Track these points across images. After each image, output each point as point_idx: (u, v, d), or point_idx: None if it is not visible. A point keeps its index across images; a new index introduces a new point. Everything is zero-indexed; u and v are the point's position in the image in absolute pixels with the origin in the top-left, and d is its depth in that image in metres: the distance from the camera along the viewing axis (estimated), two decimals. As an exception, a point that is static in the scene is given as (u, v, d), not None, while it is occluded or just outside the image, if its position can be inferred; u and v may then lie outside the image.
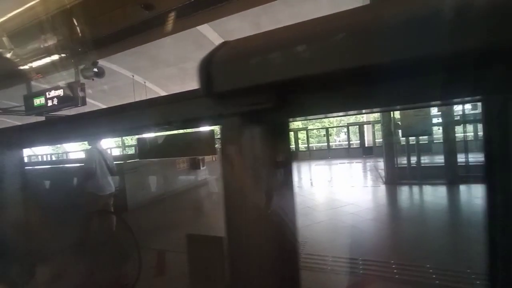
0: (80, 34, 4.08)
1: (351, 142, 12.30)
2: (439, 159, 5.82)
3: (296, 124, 25.82)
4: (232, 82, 0.42)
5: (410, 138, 5.95)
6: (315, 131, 17.37)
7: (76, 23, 4.04)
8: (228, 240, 0.48)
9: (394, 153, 6.18)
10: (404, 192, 5.50)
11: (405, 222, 3.98)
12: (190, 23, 7.35)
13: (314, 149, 13.08)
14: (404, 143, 6.22)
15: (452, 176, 5.43)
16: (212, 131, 0.63)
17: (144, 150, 0.73)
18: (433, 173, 5.76)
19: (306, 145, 12.37)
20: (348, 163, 10.17)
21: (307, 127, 12.52)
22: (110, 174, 3.50)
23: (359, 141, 12.01)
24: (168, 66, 13.10)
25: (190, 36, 10.21)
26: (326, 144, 12.11)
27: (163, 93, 15.43)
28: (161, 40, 8.30)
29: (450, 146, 5.60)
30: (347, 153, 11.97)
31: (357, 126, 11.94)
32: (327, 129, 12.35)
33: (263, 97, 0.41)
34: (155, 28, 6.40)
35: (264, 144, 0.45)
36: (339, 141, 20.24)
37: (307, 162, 11.44)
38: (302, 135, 12.89)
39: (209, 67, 0.42)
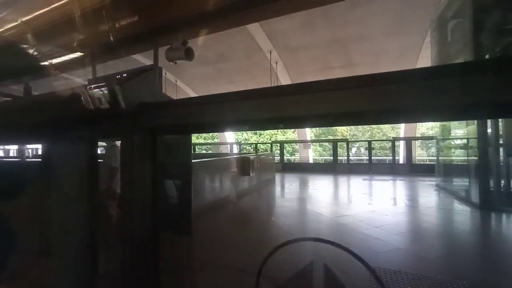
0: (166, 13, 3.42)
1: (380, 158, 11.40)
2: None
3: (335, 135, 24.96)
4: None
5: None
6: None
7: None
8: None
9: (489, 173, 5.32)
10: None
11: None
12: (239, 21, 6.73)
13: (351, 162, 12.22)
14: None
15: None
16: None
17: None
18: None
19: (346, 158, 11.52)
20: (398, 180, 9.26)
21: (348, 139, 11.68)
22: None
23: (405, 157, 11.12)
24: (203, 65, 12.46)
25: (234, 34, 9.61)
26: (367, 157, 11.27)
27: (193, 94, 14.80)
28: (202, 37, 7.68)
29: None
30: (391, 169, 11.10)
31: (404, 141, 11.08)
32: (369, 142, 11.50)
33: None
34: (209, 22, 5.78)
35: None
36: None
37: (347, 176, 10.55)
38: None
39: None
